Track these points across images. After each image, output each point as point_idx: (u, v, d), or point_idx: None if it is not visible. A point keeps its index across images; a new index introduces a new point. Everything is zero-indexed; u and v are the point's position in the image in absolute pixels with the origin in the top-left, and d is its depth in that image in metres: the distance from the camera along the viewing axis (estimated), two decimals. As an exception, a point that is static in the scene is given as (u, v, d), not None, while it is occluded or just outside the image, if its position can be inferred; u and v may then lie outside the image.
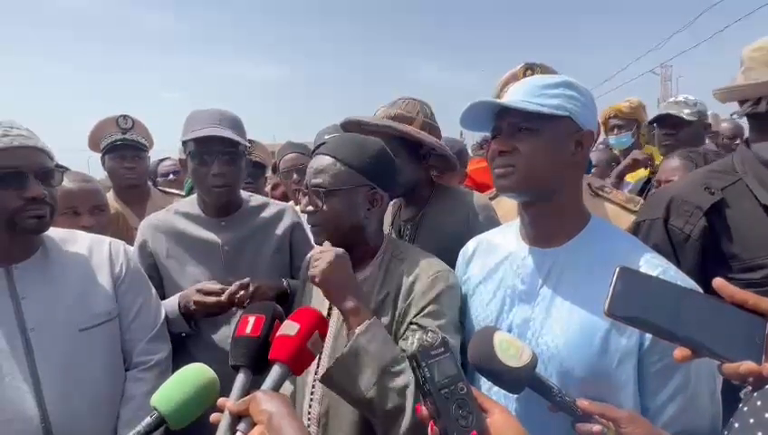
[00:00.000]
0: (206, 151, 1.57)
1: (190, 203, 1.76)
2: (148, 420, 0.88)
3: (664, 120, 2.66)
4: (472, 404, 0.75)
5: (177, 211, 1.73)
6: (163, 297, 1.63)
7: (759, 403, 0.60)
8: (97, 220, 1.84)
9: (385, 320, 1.16)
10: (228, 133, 1.57)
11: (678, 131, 2.60)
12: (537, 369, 0.91)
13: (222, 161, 1.58)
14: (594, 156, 3.38)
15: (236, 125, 1.65)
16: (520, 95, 1.05)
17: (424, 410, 0.78)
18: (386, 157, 1.26)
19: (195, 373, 0.94)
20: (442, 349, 0.78)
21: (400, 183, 1.29)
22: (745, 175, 1.34)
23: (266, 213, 1.79)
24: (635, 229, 1.52)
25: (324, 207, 1.19)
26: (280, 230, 1.77)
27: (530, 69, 1.64)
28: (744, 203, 1.32)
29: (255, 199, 1.82)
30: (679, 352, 0.67)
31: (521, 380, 0.89)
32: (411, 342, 0.80)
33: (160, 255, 1.67)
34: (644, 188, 2.79)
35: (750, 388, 0.64)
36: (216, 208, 1.69)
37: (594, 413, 0.87)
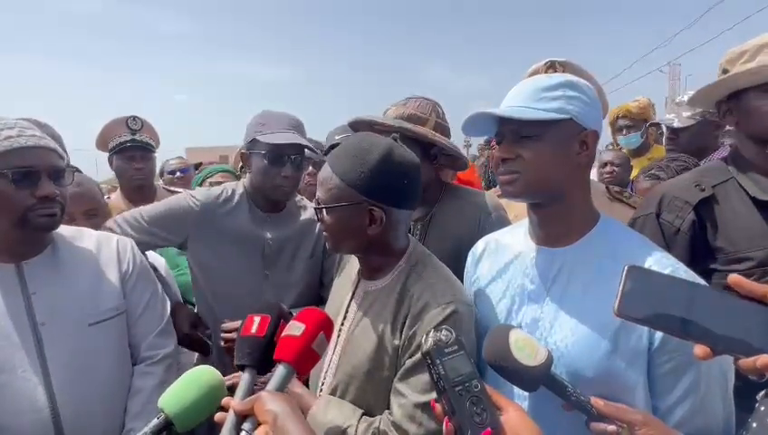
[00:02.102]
0: (280, 154, 1.69)
1: (238, 192, 1.81)
2: (155, 421, 0.90)
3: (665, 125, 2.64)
4: (486, 401, 0.75)
5: (226, 197, 1.79)
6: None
7: None
8: (92, 223, 1.83)
9: (395, 342, 1.11)
10: (303, 141, 1.72)
11: (678, 136, 2.56)
12: None
13: (292, 165, 1.71)
14: (610, 155, 3.37)
15: (304, 132, 1.79)
16: (519, 100, 1.04)
17: (439, 407, 0.79)
18: (390, 168, 1.10)
19: (202, 376, 0.95)
20: (456, 347, 0.79)
21: (416, 193, 1.18)
22: (737, 173, 1.39)
23: (306, 215, 1.84)
24: (631, 226, 1.54)
25: (326, 220, 1.15)
26: (316, 234, 1.83)
27: (552, 67, 1.59)
28: (734, 199, 1.38)
29: (299, 200, 1.90)
30: (699, 349, 0.65)
31: (536, 379, 0.89)
32: (425, 339, 0.80)
33: (204, 232, 1.73)
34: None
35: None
36: (269, 205, 1.78)
37: (608, 415, 0.87)
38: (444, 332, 0.80)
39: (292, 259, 1.77)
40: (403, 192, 1.13)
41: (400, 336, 1.10)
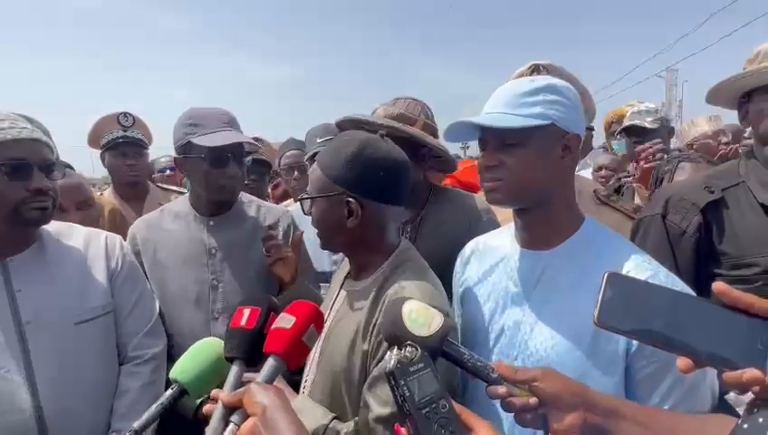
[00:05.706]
0: (222, 155, 1.57)
1: (182, 202, 1.74)
2: (169, 392, 0.91)
3: (630, 131, 2.75)
4: (455, 423, 0.69)
5: (169, 210, 1.72)
6: None
7: (761, 420, 0.55)
8: (85, 214, 1.82)
9: (364, 347, 1.09)
10: (242, 138, 1.62)
11: (645, 139, 2.66)
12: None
13: (234, 164, 1.61)
14: (605, 159, 3.40)
15: (238, 126, 1.66)
16: (501, 106, 1.03)
17: (403, 432, 0.72)
18: (364, 160, 1.10)
19: (209, 346, 0.97)
20: (422, 364, 0.72)
21: (398, 187, 1.15)
22: (748, 177, 1.38)
23: (259, 216, 1.74)
24: (636, 227, 1.54)
25: (312, 213, 1.18)
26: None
27: (536, 70, 1.55)
28: (743, 203, 1.36)
29: (249, 201, 1.77)
30: (682, 362, 0.61)
31: (432, 350, 0.81)
32: (389, 358, 0.73)
33: (147, 254, 1.64)
34: (618, 189, 2.84)
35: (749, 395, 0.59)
36: (212, 207, 1.67)
37: (509, 377, 0.81)
38: (408, 348, 0.73)
39: (242, 265, 1.64)
40: (380, 184, 1.12)
41: (370, 341, 1.08)
